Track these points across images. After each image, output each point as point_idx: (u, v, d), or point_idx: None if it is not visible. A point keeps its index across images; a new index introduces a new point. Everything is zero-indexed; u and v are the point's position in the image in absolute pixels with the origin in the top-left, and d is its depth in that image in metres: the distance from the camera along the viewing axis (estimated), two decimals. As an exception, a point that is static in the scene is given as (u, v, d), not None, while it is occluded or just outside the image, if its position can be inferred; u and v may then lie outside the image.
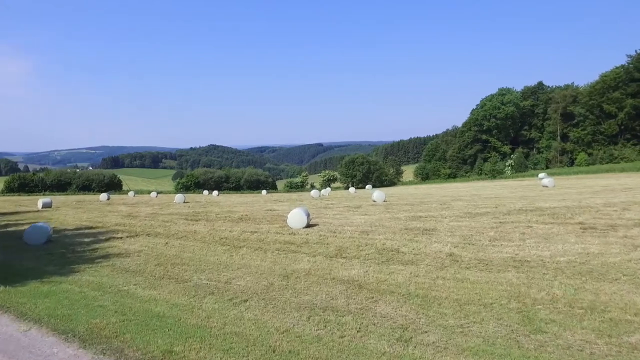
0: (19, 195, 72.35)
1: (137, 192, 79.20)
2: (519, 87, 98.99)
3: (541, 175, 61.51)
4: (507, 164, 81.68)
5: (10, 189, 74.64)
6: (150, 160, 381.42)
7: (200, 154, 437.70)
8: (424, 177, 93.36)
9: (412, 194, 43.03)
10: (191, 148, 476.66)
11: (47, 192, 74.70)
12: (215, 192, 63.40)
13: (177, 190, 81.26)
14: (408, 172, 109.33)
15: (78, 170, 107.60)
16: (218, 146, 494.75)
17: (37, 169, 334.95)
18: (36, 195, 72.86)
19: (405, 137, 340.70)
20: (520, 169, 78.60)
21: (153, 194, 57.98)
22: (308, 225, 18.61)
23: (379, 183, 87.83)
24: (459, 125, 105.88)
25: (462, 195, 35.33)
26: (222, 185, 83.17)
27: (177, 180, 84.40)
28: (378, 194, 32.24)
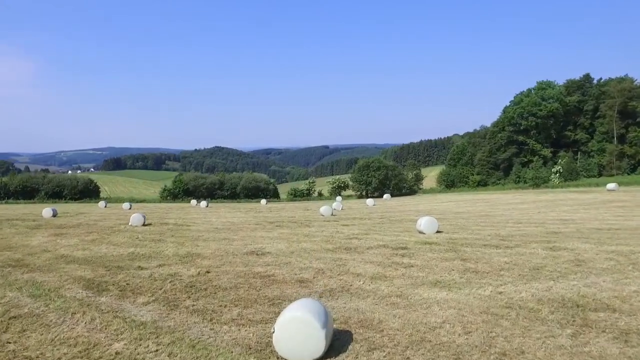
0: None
1: (111, 200, 67.43)
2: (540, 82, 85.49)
3: (611, 185, 48.75)
4: (553, 170, 68.84)
5: (-40, 197, 63.23)
6: (153, 161, 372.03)
7: (205, 156, 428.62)
8: (449, 184, 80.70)
9: (459, 213, 30.69)
10: (196, 150, 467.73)
11: (10, 200, 63.11)
12: (203, 203, 51.27)
13: (163, 198, 69.24)
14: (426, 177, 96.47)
15: (51, 173, 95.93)
16: (223, 148, 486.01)
17: (39, 170, 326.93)
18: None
19: (413, 139, 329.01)
20: (571, 177, 65.82)
21: (126, 205, 46.12)
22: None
23: (397, 191, 75.37)
24: (488, 125, 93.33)
25: (534, 217, 22.97)
26: (216, 192, 71.07)
27: (163, 187, 72.30)
28: (427, 222, 19.86)
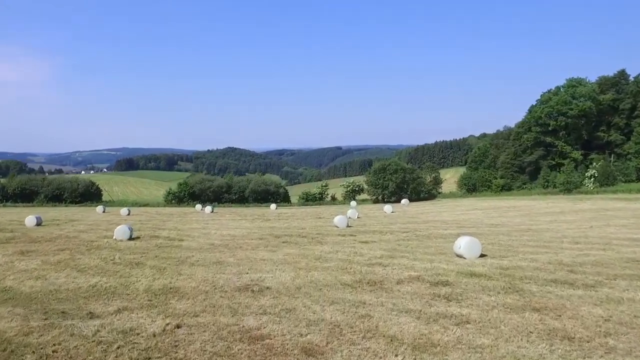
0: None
1: (113, 204, 64.34)
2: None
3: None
4: (587, 174, 63.91)
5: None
6: (166, 162, 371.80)
7: (217, 157, 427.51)
8: (470, 188, 76.11)
9: (495, 227, 26.62)
10: (208, 150, 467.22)
11: (7, 204, 60.55)
12: (208, 208, 47.85)
13: (167, 202, 65.99)
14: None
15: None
16: (236, 149, 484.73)
17: (52, 170, 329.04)
18: (-10, 206, 58.87)
19: (428, 140, 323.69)
20: (607, 182, 60.86)
21: (124, 211, 42.86)
22: None
23: (415, 195, 71.14)
24: (512, 125, 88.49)
25: (590, 234, 18.81)
26: (223, 196, 67.60)
27: (167, 190, 68.95)
28: (468, 245, 15.97)
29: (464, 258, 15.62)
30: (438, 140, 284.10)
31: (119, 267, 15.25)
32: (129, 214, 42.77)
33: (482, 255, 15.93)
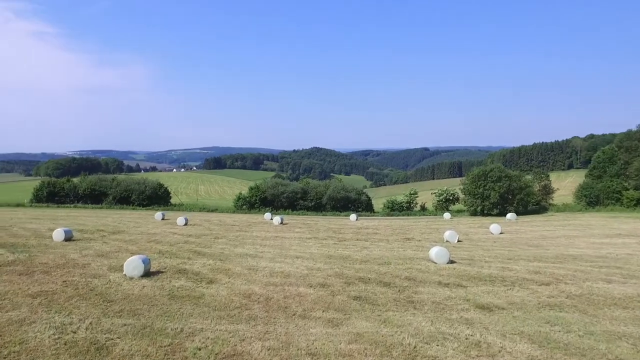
0: (47, 207, 58.19)
1: (183, 208, 60.83)
2: None
3: None
4: None
5: (38, 199, 60.80)
6: (252, 161, 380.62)
7: (303, 157, 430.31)
8: (592, 200, 62.33)
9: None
10: (294, 150, 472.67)
11: (78, 204, 59.50)
12: (277, 219, 41.54)
13: (237, 207, 61.05)
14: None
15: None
16: (321, 149, 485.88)
17: (147, 168, 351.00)
18: (67, 207, 58.08)
19: (525, 142, 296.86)
20: None
21: (181, 220, 37.96)
22: None
23: (522, 208, 59.48)
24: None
25: None
26: (298, 202, 61.25)
27: (238, 194, 63.99)
28: None
29: None
30: (537, 142, 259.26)
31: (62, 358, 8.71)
32: (185, 224, 37.74)
33: None
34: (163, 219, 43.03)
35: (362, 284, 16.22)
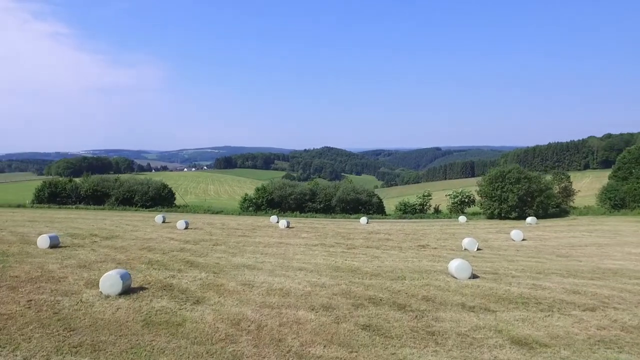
0: (48, 207, 56.65)
1: (187, 210, 58.89)
2: None
3: None
4: None
5: (40, 199, 59.31)
6: (262, 161, 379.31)
7: (314, 156, 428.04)
8: (617, 203, 59.08)
9: None
10: (305, 150, 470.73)
11: (80, 206, 57.90)
12: (282, 222, 39.38)
13: (243, 209, 58.99)
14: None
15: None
16: (332, 148, 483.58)
17: (158, 167, 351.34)
18: (67, 208, 56.50)
19: (539, 142, 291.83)
20: None
21: (181, 224, 35.92)
22: None
23: (542, 211, 56.43)
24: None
25: None
26: (306, 204, 58.94)
27: (243, 196, 61.82)
28: None
29: None
30: (552, 142, 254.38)
31: None
32: (185, 228, 35.71)
33: None
34: (163, 222, 41.05)
35: (373, 307, 13.88)
